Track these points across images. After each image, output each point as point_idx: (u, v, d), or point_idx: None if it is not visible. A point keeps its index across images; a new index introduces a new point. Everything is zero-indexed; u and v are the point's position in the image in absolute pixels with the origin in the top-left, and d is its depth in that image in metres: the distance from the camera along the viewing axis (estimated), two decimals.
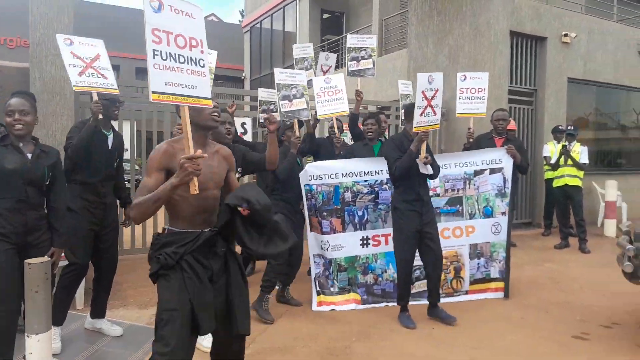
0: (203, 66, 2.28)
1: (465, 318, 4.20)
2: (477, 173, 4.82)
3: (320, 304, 4.52)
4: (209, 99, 2.27)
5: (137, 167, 9.64)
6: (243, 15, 25.05)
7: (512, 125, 7.05)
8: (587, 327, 4.08)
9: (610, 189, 8.32)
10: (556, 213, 7.56)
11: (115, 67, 3.76)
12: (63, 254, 3.17)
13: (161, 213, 2.67)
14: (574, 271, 5.93)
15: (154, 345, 2.11)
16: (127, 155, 7.15)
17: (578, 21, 9.15)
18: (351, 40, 5.60)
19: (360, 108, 5.64)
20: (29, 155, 2.89)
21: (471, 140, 5.40)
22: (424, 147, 3.93)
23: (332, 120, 5.11)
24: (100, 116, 3.46)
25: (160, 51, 2.11)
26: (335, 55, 5.64)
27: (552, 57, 8.81)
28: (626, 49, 9.90)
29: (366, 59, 5.52)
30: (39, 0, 4.89)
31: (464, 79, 5.20)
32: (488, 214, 4.81)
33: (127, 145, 7.39)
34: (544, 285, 5.31)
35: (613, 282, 5.37)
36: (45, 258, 2.35)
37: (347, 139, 7.30)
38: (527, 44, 8.75)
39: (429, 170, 3.97)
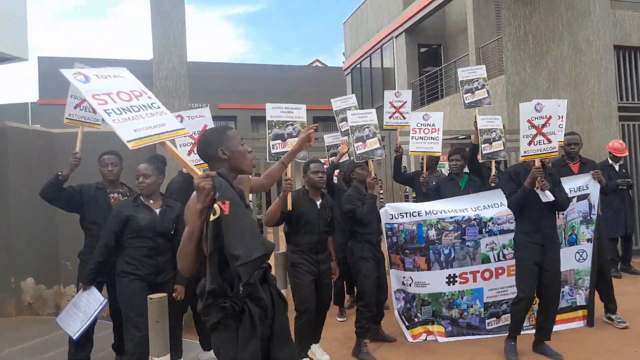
0: (159, 107, 2.38)
1: (572, 349, 4.04)
2: None
3: (413, 337, 4.55)
4: (182, 129, 2.37)
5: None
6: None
7: (621, 150, 6.55)
8: None
9: None
10: None
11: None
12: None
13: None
14: None
15: None
16: None
17: None
18: (462, 73, 5.62)
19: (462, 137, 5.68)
20: (157, 211, 3.55)
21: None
22: (538, 184, 3.78)
23: (422, 158, 5.24)
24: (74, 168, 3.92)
25: (112, 109, 2.23)
26: (409, 91, 5.72)
27: None
28: None
29: (480, 89, 5.52)
30: (160, 75, 5.78)
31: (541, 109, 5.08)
32: (572, 241, 4.62)
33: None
34: None
35: None
36: (163, 294, 2.84)
37: (445, 170, 7.37)
38: (635, 56, 8.19)
39: (549, 197, 3.82)
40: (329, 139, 5.58)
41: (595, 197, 4.66)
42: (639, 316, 4.82)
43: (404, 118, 5.34)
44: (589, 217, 4.65)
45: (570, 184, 4.62)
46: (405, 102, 5.43)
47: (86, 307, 3.51)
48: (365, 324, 4.15)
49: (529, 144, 3.87)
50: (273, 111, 4.15)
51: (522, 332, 4.09)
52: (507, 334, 4.11)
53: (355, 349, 4.19)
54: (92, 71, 2.35)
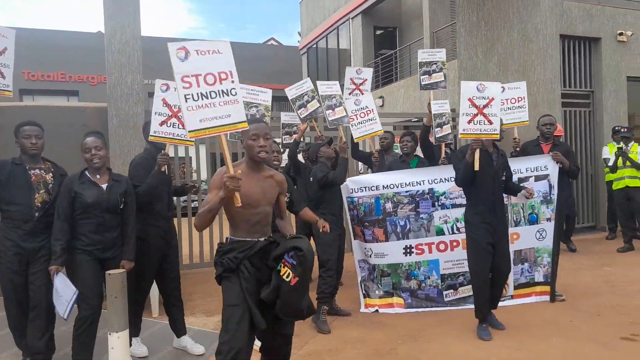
0: (235, 94, 2.62)
1: (511, 321, 4.31)
2: (522, 181, 4.83)
3: (366, 306, 4.83)
4: (243, 122, 2.62)
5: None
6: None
7: (559, 130, 6.98)
8: (638, 329, 4.06)
9: None
10: (618, 216, 7.36)
11: None
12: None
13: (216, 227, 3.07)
14: (634, 274, 5.79)
15: (220, 335, 2.54)
16: (203, 175, 7.95)
17: (634, 18, 8.90)
18: (422, 55, 5.67)
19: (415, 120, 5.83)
20: (104, 187, 3.44)
21: (517, 149, 5.46)
22: (477, 156, 3.87)
23: (371, 140, 5.36)
24: (164, 168, 3.72)
25: (192, 94, 2.46)
26: (370, 69, 5.80)
27: (608, 56, 8.63)
28: None
29: (437, 72, 5.59)
30: (113, 49, 5.61)
31: (503, 90, 5.28)
32: (533, 220, 4.88)
33: (203, 166, 8.11)
34: (599, 289, 5.27)
35: None
36: (122, 270, 2.84)
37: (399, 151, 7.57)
38: (579, 46, 8.62)
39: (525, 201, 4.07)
40: (285, 117, 5.60)
41: (554, 178, 4.86)
42: (574, 290, 5.20)
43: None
44: (549, 197, 4.89)
45: (529, 164, 4.87)
46: (366, 79, 5.57)
47: (63, 292, 3.28)
48: (326, 289, 4.38)
49: (469, 122, 3.95)
50: (321, 87, 4.29)
51: (466, 306, 4.32)
52: (464, 306, 4.37)
53: (315, 315, 4.32)
54: (195, 45, 2.50)
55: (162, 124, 3.81)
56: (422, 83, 5.61)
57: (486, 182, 4.02)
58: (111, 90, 5.66)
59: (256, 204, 2.65)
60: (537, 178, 4.90)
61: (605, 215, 8.23)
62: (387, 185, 4.84)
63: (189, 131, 2.44)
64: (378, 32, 17.82)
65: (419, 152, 5.52)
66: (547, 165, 4.88)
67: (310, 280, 2.62)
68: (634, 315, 4.39)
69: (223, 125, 2.54)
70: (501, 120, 4.28)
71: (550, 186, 4.89)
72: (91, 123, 5.85)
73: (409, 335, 4.16)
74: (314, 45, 21.11)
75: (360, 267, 4.97)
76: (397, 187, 4.83)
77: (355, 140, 5.33)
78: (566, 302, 4.84)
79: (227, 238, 2.73)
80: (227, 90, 2.58)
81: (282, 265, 2.59)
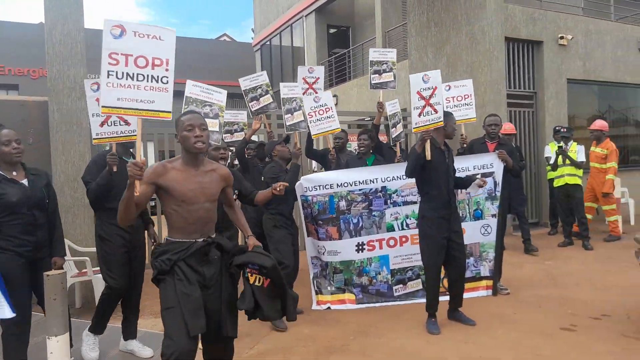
0: (166, 82, 2.57)
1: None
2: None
3: (318, 302, 4.86)
4: (167, 112, 2.57)
5: None
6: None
7: (512, 129, 7.24)
8: (577, 320, 4.26)
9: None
10: (559, 212, 7.70)
11: None
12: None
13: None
14: (573, 268, 6.08)
15: (162, 341, 2.46)
16: None
17: (574, 23, 9.33)
18: (373, 54, 5.71)
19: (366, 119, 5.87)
20: (25, 182, 3.23)
21: (464, 145, 5.60)
22: (427, 146, 3.94)
23: (327, 138, 5.37)
24: (115, 168, 3.55)
25: (116, 72, 2.42)
26: (322, 67, 5.83)
27: (549, 59, 9.00)
28: (626, 46, 10.02)
29: (387, 72, 5.64)
30: (54, 40, 5.34)
31: (449, 89, 5.42)
32: (478, 216, 5.04)
33: (151, 163, 7.91)
34: (540, 282, 5.49)
35: (609, 277, 5.55)
36: (62, 270, 2.70)
37: (352, 150, 7.62)
38: (523, 48, 8.96)
39: (478, 192, 4.24)
40: (227, 115, 5.49)
41: (499, 175, 5.02)
42: (518, 283, 5.40)
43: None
44: (493, 194, 5.05)
45: (476, 162, 5.02)
46: (318, 78, 5.61)
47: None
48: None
49: (419, 115, 3.98)
50: (193, 88, 4.07)
51: (415, 300, 4.41)
52: (413, 300, 4.46)
53: None
54: (135, 27, 2.43)
55: (102, 124, 3.66)
56: (372, 82, 5.66)
57: (440, 178, 4.10)
58: (52, 84, 5.39)
59: (192, 200, 2.52)
60: (483, 175, 5.03)
61: (548, 211, 8.60)
62: (341, 184, 4.87)
63: (102, 106, 2.40)
64: (332, 31, 17.90)
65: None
66: (492, 163, 5.03)
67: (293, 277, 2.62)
68: (573, 306, 4.61)
69: (143, 110, 2.50)
70: (453, 118, 4.35)
71: (495, 183, 5.05)
72: (31, 118, 5.57)
73: (361, 331, 4.20)
74: (268, 43, 20.95)
75: (312, 263, 4.99)
76: (351, 185, 4.87)
77: (313, 137, 5.33)
78: (510, 295, 5.02)
79: (165, 239, 2.62)
80: (157, 76, 2.55)
81: (249, 273, 2.61)
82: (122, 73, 2.42)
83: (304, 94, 5.46)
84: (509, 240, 7.78)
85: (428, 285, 4.24)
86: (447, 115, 4.21)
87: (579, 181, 7.32)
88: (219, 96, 4.20)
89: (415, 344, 3.90)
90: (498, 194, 5.05)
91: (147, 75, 2.50)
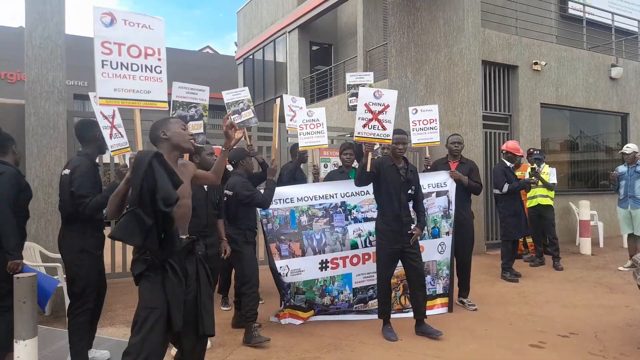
0: (160, 72, 2.56)
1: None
2: (425, 196, 4.97)
3: (278, 316, 4.79)
4: (163, 101, 2.56)
5: None
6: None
7: (521, 152, 7.12)
8: (545, 337, 4.35)
9: (583, 209, 8.65)
10: (531, 232, 7.86)
11: None
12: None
13: None
14: (543, 287, 6.21)
15: (130, 338, 2.37)
16: None
17: (547, 50, 9.66)
18: (350, 78, 6.04)
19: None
20: None
21: (428, 167, 5.64)
22: (369, 158, 4.17)
23: (312, 152, 5.45)
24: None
25: (110, 61, 2.39)
26: (303, 99, 6.04)
27: (524, 83, 9.28)
28: (597, 74, 10.40)
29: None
30: (33, 42, 5.30)
31: (415, 112, 5.59)
32: (435, 234, 5.10)
33: None
34: (511, 300, 5.59)
35: (578, 296, 5.69)
36: (33, 273, 2.66)
37: (330, 164, 7.70)
38: (499, 72, 9.23)
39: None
40: (229, 95, 5.54)
41: (452, 194, 5.15)
42: (490, 300, 5.49)
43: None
44: (448, 212, 5.15)
45: (430, 180, 5.14)
46: (301, 107, 5.79)
47: None
48: (253, 306, 4.20)
49: (364, 126, 4.22)
50: (179, 91, 4.07)
51: (396, 315, 4.48)
52: (371, 316, 4.49)
53: (246, 336, 4.19)
54: (124, 15, 2.39)
55: (111, 137, 3.67)
56: (350, 104, 5.93)
57: (393, 193, 4.29)
58: (30, 87, 5.34)
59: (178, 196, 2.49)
60: (438, 194, 5.17)
61: None
62: (301, 198, 4.80)
63: (100, 97, 2.36)
64: (314, 48, 18.11)
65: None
66: (445, 182, 5.17)
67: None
68: (542, 324, 4.70)
69: (140, 100, 2.49)
70: (399, 138, 4.42)
71: (449, 202, 5.16)
72: (6, 121, 5.47)
73: (334, 344, 4.20)
74: (251, 56, 21.06)
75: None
76: (311, 199, 4.83)
77: (300, 149, 5.40)
78: (481, 311, 5.09)
79: None
80: (151, 66, 2.54)
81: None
82: (117, 63, 2.40)
83: (291, 120, 5.66)
84: (483, 259, 7.95)
85: (379, 293, 4.41)
86: (398, 132, 4.39)
87: (550, 202, 7.51)
88: (203, 94, 4.23)
89: (387, 356, 3.92)
90: (452, 212, 5.16)
91: (141, 65, 2.49)
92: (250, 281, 4.26)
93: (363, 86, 5.79)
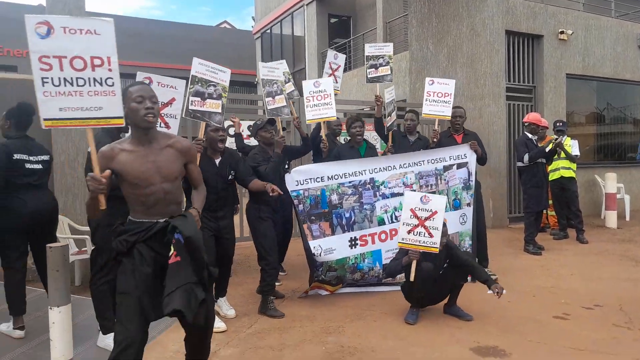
0: (112, 85, 2.25)
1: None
2: (447, 168, 5.11)
3: (307, 291, 4.80)
4: (119, 117, 2.29)
5: None
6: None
7: (545, 123, 7.10)
8: (569, 309, 4.33)
9: (609, 181, 8.48)
10: (554, 205, 7.76)
11: (132, 76, 3.78)
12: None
13: None
14: (567, 260, 6.15)
15: (115, 324, 2.34)
16: None
17: (574, 18, 9.35)
18: (369, 49, 5.75)
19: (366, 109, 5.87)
20: None
21: (435, 140, 5.51)
22: (413, 266, 3.94)
23: (321, 124, 5.24)
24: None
25: (51, 78, 2.11)
26: (344, 56, 5.85)
27: (549, 54, 9.02)
28: (625, 43, 10.06)
29: (384, 65, 5.65)
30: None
31: (432, 84, 5.48)
32: (457, 206, 5.12)
33: None
34: (535, 272, 5.56)
35: (604, 269, 5.62)
36: (65, 243, 2.74)
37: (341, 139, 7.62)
38: (523, 42, 8.98)
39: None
40: (264, 70, 5.33)
41: (472, 166, 5.18)
42: (513, 272, 5.47)
43: (337, 82, 5.56)
44: (468, 183, 5.15)
45: (452, 152, 5.14)
46: (340, 66, 5.80)
47: None
48: (271, 281, 4.28)
49: (408, 232, 3.95)
50: (199, 67, 3.92)
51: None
52: (397, 288, 4.45)
53: (261, 306, 4.29)
54: (62, 21, 2.10)
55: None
56: (369, 76, 5.73)
57: None
58: None
59: (147, 182, 2.32)
60: (459, 166, 5.17)
61: None
62: (332, 176, 4.76)
63: (44, 119, 2.11)
64: (332, 21, 17.85)
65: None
66: (466, 153, 5.19)
67: (203, 268, 2.33)
68: (565, 296, 4.67)
69: (91, 118, 2.21)
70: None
71: (469, 173, 5.17)
72: (31, 96, 5.55)
73: (357, 314, 4.25)
74: (268, 31, 20.88)
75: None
76: (341, 177, 4.78)
77: (307, 122, 5.32)
78: (504, 283, 4.99)
79: (128, 218, 2.45)
80: (100, 79, 2.22)
81: (172, 245, 2.29)
82: (59, 79, 2.11)
83: (329, 76, 5.59)
84: (506, 232, 7.90)
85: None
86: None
87: (573, 174, 7.38)
88: (223, 75, 4.06)
89: (409, 327, 3.95)
90: (472, 183, 5.17)
91: (89, 79, 2.18)
92: (265, 257, 4.26)
93: (382, 57, 5.63)
